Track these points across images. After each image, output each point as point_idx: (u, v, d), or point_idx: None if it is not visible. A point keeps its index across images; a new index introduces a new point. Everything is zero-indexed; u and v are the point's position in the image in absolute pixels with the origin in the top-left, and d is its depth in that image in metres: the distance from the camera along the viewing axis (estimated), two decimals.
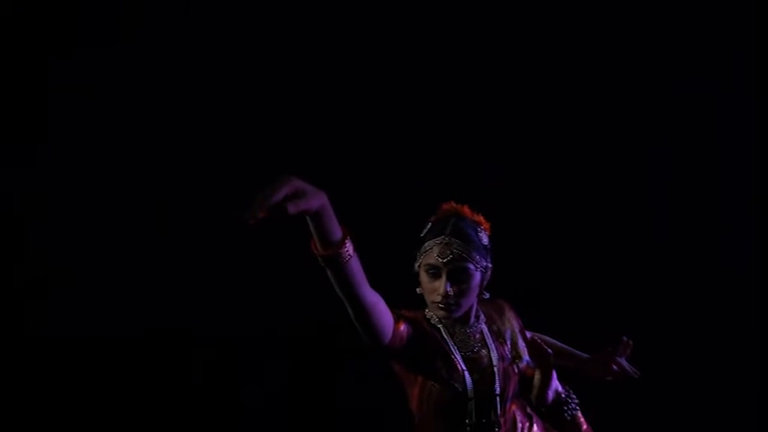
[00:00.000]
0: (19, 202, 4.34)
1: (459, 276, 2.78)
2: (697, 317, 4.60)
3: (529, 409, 2.97)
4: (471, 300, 2.84)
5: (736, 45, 4.65)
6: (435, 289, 2.80)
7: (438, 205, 2.93)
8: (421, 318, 2.88)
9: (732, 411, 4.59)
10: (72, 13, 4.34)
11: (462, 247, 2.79)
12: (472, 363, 2.83)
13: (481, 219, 2.90)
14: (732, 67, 4.65)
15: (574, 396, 2.93)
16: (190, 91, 4.38)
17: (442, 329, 2.87)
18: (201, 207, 4.32)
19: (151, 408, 4.38)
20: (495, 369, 2.84)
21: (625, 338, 3.17)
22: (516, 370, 2.90)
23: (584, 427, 2.94)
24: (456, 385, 2.80)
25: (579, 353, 3.24)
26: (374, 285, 2.61)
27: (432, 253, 2.80)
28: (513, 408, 2.91)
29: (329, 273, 2.48)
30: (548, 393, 2.86)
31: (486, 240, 2.87)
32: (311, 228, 2.38)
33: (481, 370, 2.83)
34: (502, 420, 2.85)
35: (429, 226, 2.88)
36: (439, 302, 2.80)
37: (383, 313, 2.65)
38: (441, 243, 2.80)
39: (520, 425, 2.90)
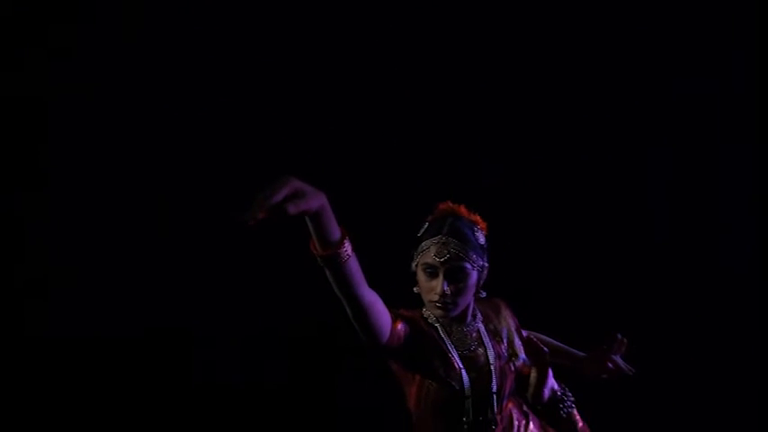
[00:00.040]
0: (19, 202, 4.36)
1: (456, 275, 2.81)
2: (697, 317, 4.61)
3: (525, 407, 3.00)
4: (468, 299, 2.87)
5: (736, 45, 4.66)
6: (432, 288, 2.83)
7: (435, 205, 2.96)
8: (418, 317, 2.91)
9: (732, 411, 4.61)
10: (72, 13, 4.35)
11: (459, 247, 2.82)
12: (469, 361, 2.86)
13: (478, 218, 2.93)
14: (732, 67, 4.66)
15: (569, 394, 2.99)
16: (190, 91, 4.39)
17: (439, 328, 2.89)
18: (201, 207, 4.34)
19: (151, 408, 4.39)
20: (492, 367, 2.87)
21: (620, 336, 3.19)
22: (513, 368, 2.94)
23: (580, 424, 2.99)
24: (453, 383, 2.82)
25: (575, 351, 3.25)
26: (372, 285, 2.62)
27: (429, 252, 2.83)
28: (510, 406, 2.94)
29: (328, 272, 2.50)
30: (544, 391, 2.91)
31: (482, 240, 2.90)
32: (310, 228, 2.40)
33: (478, 368, 2.86)
34: (498, 418, 2.88)
35: (426, 226, 2.91)
36: (436, 301, 2.83)
37: (381, 313, 2.67)
38: (438, 243, 2.83)
39: (516, 422, 2.93)
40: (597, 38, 4.59)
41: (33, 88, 4.36)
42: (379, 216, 4.07)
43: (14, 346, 4.35)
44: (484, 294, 2.94)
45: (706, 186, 4.67)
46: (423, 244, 2.87)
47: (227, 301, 4.41)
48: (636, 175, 4.64)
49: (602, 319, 3.67)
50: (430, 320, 2.92)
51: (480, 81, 4.56)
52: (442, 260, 2.81)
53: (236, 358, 4.49)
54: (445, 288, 2.81)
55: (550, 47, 4.60)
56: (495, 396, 2.86)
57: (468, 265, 2.83)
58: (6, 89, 4.34)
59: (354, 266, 2.51)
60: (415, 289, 2.92)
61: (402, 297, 2.88)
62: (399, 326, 2.78)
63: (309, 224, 2.40)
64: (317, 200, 2.32)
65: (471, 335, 2.92)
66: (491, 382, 2.86)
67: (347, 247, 2.46)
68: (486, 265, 2.91)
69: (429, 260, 2.83)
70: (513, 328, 3.02)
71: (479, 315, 2.98)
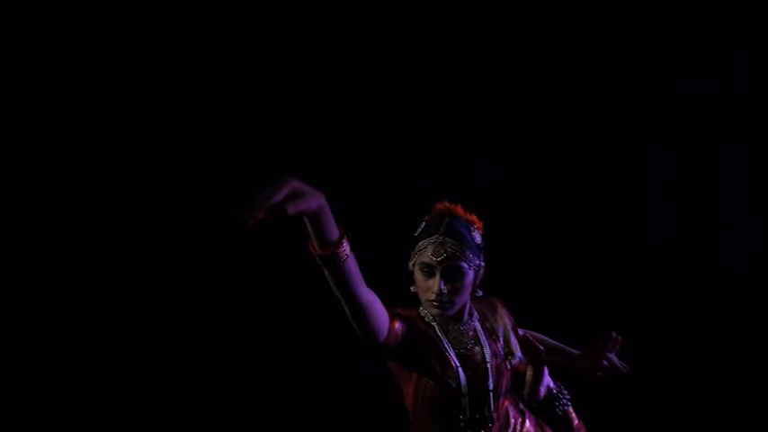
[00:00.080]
0: (19, 202, 4.38)
1: (452, 275, 2.84)
2: (697, 316, 4.62)
3: (521, 405, 3.02)
4: (465, 298, 2.90)
5: (736, 45, 4.66)
6: (429, 287, 2.86)
7: (432, 205, 2.99)
8: (415, 316, 2.94)
9: (731, 410, 4.62)
10: (72, 13, 4.37)
11: (456, 246, 2.85)
12: (466, 359, 2.89)
13: (474, 218, 2.95)
14: (732, 67, 4.67)
15: (565, 392, 3.02)
16: (190, 91, 4.41)
17: (436, 327, 2.93)
18: (201, 207, 4.36)
19: (151, 408, 4.41)
20: (489, 365, 2.89)
21: (614, 334, 3.22)
22: (509, 366, 2.96)
23: (576, 422, 3.02)
24: (450, 382, 2.85)
25: (570, 349, 3.28)
26: (370, 284, 2.64)
27: (426, 252, 2.86)
28: (506, 403, 2.97)
29: (326, 272, 2.53)
30: (540, 389, 2.94)
31: (479, 239, 2.92)
32: (309, 228, 2.43)
33: (474, 366, 2.89)
34: (495, 416, 2.90)
35: (423, 225, 2.93)
36: (433, 300, 2.86)
37: (379, 312, 2.70)
38: (435, 242, 2.85)
39: (512, 420, 2.95)
40: (597, 38, 4.61)
41: (33, 88, 4.37)
42: (379, 216, 4.08)
43: (14, 346, 4.36)
44: (480, 293, 2.96)
45: (706, 186, 4.68)
46: (420, 243, 2.90)
47: (227, 301, 4.43)
48: (636, 175, 4.65)
49: (601, 319, 3.66)
50: (427, 319, 2.95)
51: (480, 81, 4.57)
52: (438, 259, 2.84)
53: (236, 358, 4.51)
54: (442, 287, 2.84)
55: (550, 47, 4.61)
56: (491, 394, 2.89)
57: (465, 265, 2.86)
58: (6, 89, 4.35)
59: (353, 266, 2.54)
60: (412, 288, 2.95)
61: (399, 296, 2.90)
62: (397, 325, 2.81)
63: (308, 224, 2.43)
64: (316, 200, 2.35)
65: (468, 333, 2.95)
66: (488, 380, 2.89)
67: (345, 247, 2.49)
68: (483, 264, 2.94)
69: (426, 259, 2.86)
70: (509, 327, 3.04)
71: (476, 314, 3.00)
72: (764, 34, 4.66)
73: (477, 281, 2.95)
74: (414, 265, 2.92)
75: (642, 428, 4.45)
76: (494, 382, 2.91)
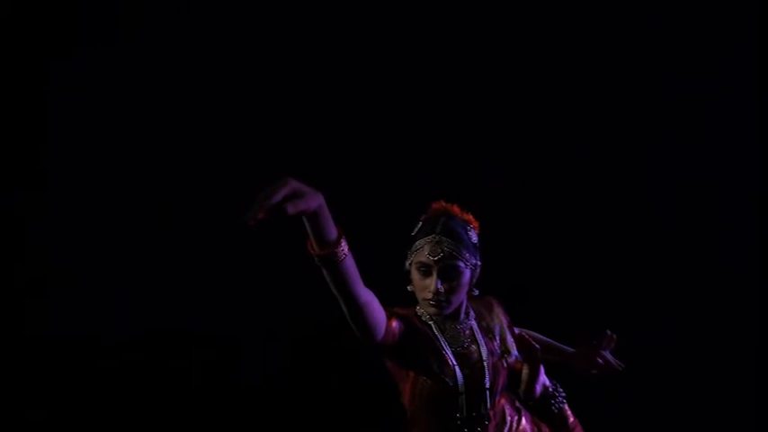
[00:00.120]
0: (19, 202, 4.40)
1: (449, 274, 2.88)
2: (697, 316, 4.65)
3: (517, 403, 3.06)
4: (461, 297, 2.94)
5: (736, 45, 4.68)
6: (426, 286, 2.90)
7: (428, 204, 3.02)
8: (412, 315, 2.98)
9: (730, 410, 4.64)
10: (72, 13, 4.39)
11: (452, 246, 2.88)
12: (462, 358, 2.93)
13: (470, 217, 2.99)
14: (732, 67, 4.68)
15: (561, 390, 3.05)
16: (190, 91, 4.44)
17: (433, 326, 2.97)
18: (201, 207, 4.39)
19: (151, 408, 4.44)
20: (485, 364, 2.94)
21: (609, 332, 3.26)
22: (505, 364, 2.99)
23: (571, 419, 3.05)
24: (447, 380, 2.89)
25: (565, 347, 3.33)
26: (367, 283, 2.67)
27: (423, 251, 2.90)
28: (503, 401, 3.01)
29: (324, 272, 2.56)
30: (536, 387, 2.97)
31: (475, 239, 2.96)
32: (308, 228, 2.46)
33: (471, 365, 2.92)
34: (491, 414, 2.94)
35: (420, 225, 2.97)
36: (430, 299, 2.90)
37: (376, 311, 2.72)
38: (431, 241, 2.90)
39: (509, 418, 2.99)
40: (597, 38, 4.63)
41: (33, 88, 4.39)
42: (380, 216, 4.09)
43: (14, 346, 4.39)
44: (477, 292, 3.00)
45: (706, 186, 4.69)
46: (416, 243, 2.94)
47: (227, 301, 4.45)
48: (636, 175, 4.67)
49: (598, 318, 3.59)
50: (424, 318, 2.98)
51: (480, 81, 4.60)
52: (435, 259, 2.88)
53: (236, 358, 4.54)
54: (439, 286, 2.88)
55: (550, 47, 4.63)
56: (488, 392, 2.92)
57: (462, 264, 2.89)
58: (6, 89, 4.37)
59: (351, 265, 2.57)
60: (409, 287, 2.98)
61: (396, 295, 2.94)
62: (394, 324, 2.84)
63: (307, 224, 2.46)
64: (315, 200, 2.38)
65: (464, 332, 2.99)
66: (484, 378, 2.92)
67: (344, 247, 2.52)
68: (479, 263, 2.97)
69: (423, 259, 2.90)
70: (505, 326, 3.08)
71: (472, 313, 3.04)
72: (764, 34, 4.68)
73: (474, 280, 2.98)
74: (411, 264, 2.96)
75: (638, 426, 4.47)
76: (490, 380, 2.94)
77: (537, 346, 2.99)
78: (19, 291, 4.43)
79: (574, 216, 4.63)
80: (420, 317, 3.00)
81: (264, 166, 3.67)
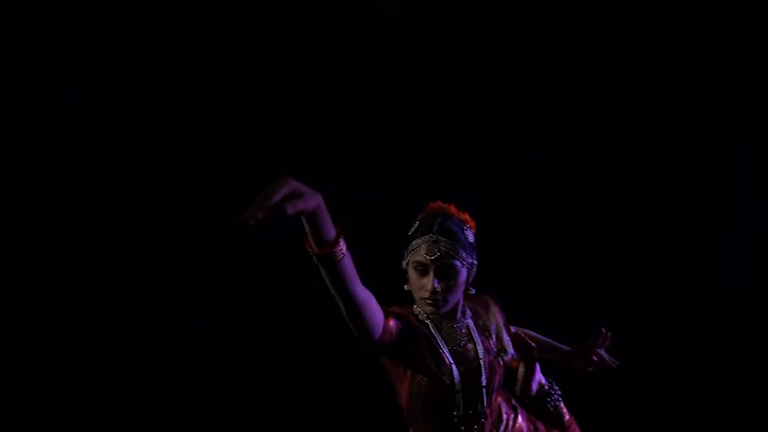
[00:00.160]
0: (19, 202, 4.44)
1: (446, 273, 2.91)
2: (696, 316, 4.68)
3: (514, 401, 3.09)
4: (458, 295, 2.97)
5: (736, 45, 4.69)
6: (423, 285, 2.93)
7: (425, 204, 3.05)
8: (409, 313, 3.01)
9: (729, 410, 4.67)
10: (71, 13, 4.42)
11: (449, 245, 2.92)
12: (459, 356, 2.96)
13: (467, 217, 3.02)
14: (732, 67, 4.70)
15: (557, 388, 3.10)
16: (190, 91, 4.47)
17: (429, 325, 2.99)
18: (201, 207, 4.42)
19: (151, 408, 4.48)
20: (482, 362, 2.97)
21: (603, 330, 3.30)
22: (501, 363, 3.02)
23: (567, 417, 3.10)
24: (444, 378, 2.92)
25: (561, 345, 3.36)
26: (365, 283, 2.69)
27: (420, 251, 2.93)
28: (499, 399, 3.03)
29: (323, 271, 2.59)
30: (532, 385, 3.02)
31: (471, 238, 2.99)
32: (306, 227, 2.49)
33: (468, 363, 2.96)
34: (488, 411, 2.97)
35: (416, 225, 2.99)
36: (427, 298, 2.93)
37: (374, 310, 2.76)
38: (428, 241, 2.93)
39: (505, 416, 3.02)
40: (597, 38, 4.66)
41: (33, 88, 4.43)
42: (379, 216, 4.09)
43: (14, 346, 4.43)
44: (473, 291, 3.03)
45: (706, 186, 4.71)
46: (413, 242, 2.97)
47: (227, 301, 4.49)
48: (635, 175, 4.69)
49: (598, 319, 3.58)
50: (421, 317, 3.01)
51: (480, 81, 4.63)
52: (432, 258, 2.91)
53: (236, 358, 4.57)
54: (436, 285, 2.91)
55: (550, 47, 4.66)
56: (484, 390, 2.96)
57: (458, 263, 2.93)
58: (6, 88, 4.41)
59: (349, 265, 2.60)
60: (406, 286, 3.02)
61: (393, 294, 2.97)
62: (391, 322, 2.88)
63: (306, 224, 2.49)
64: (314, 200, 2.41)
65: (461, 331, 3.01)
66: (481, 376, 2.96)
67: (342, 246, 2.55)
68: (476, 262, 3.00)
69: (420, 258, 2.93)
70: (501, 324, 3.10)
71: (469, 311, 3.07)
72: (764, 34, 4.69)
73: (470, 279, 3.01)
74: (408, 263, 2.99)
75: (632, 423, 4.48)
76: (486, 378, 2.97)
77: (533, 344, 3.03)
78: (19, 291, 4.46)
79: (573, 216, 4.66)
80: (417, 316, 3.03)
81: (264, 166, 3.65)
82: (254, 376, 4.57)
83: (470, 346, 3.01)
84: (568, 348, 3.37)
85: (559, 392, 3.10)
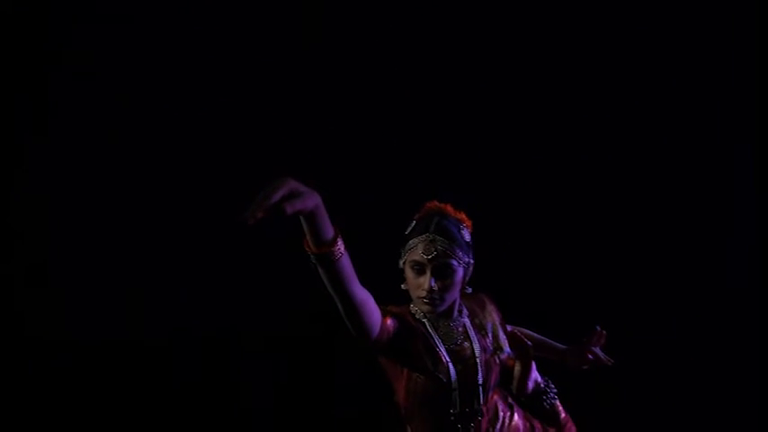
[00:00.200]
0: (19, 202, 4.46)
1: (442, 272, 2.96)
2: (696, 316, 4.69)
3: (510, 399, 3.13)
4: (454, 294, 3.01)
5: (736, 45, 4.71)
6: (420, 284, 2.98)
7: (422, 204, 3.09)
8: (406, 312, 3.05)
9: (729, 410, 4.69)
10: (71, 13, 4.44)
11: (446, 244, 2.96)
12: (456, 355, 3.00)
13: (463, 216, 3.06)
14: (732, 67, 4.71)
15: (552, 386, 3.14)
16: (190, 91, 4.49)
17: (426, 323, 3.04)
18: (201, 207, 4.44)
19: (151, 408, 4.50)
20: (478, 360, 3.01)
21: (598, 328, 3.34)
22: (498, 361, 3.06)
23: (563, 415, 3.14)
24: (441, 376, 2.96)
25: (557, 344, 3.41)
26: (363, 282, 2.73)
27: (416, 250, 2.97)
28: (495, 397, 3.07)
29: (321, 270, 2.62)
30: (528, 383, 3.06)
31: (468, 237, 3.03)
32: (305, 227, 2.52)
33: (464, 361, 3.00)
34: (484, 409, 3.01)
35: (413, 224, 3.03)
36: (423, 297, 2.97)
37: (372, 309, 2.80)
38: (425, 240, 2.97)
39: (501, 413, 3.06)
40: (597, 37, 4.67)
41: (33, 88, 4.45)
42: (378, 216, 4.02)
43: (14, 346, 4.45)
44: (470, 290, 3.08)
45: (706, 186, 4.72)
46: (410, 242, 3.01)
47: (227, 301, 4.51)
48: (635, 175, 4.71)
49: (596, 318, 3.57)
50: (417, 316, 3.06)
51: (480, 81, 4.65)
52: (429, 257, 2.95)
53: (236, 358, 4.59)
54: (432, 284, 2.95)
55: (550, 47, 4.68)
56: (481, 388, 3.00)
57: (455, 262, 2.97)
58: (6, 88, 4.42)
59: (347, 265, 2.64)
60: (402, 285, 3.06)
61: (391, 294, 3.01)
62: (388, 321, 2.91)
63: (304, 223, 2.52)
64: (313, 200, 2.44)
65: (458, 329, 3.06)
66: (477, 374, 3.00)
67: (340, 246, 2.59)
68: (472, 261, 3.04)
69: (417, 257, 2.97)
70: (497, 323, 3.15)
71: (465, 310, 3.12)
72: (764, 34, 4.71)
73: (467, 278, 3.06)
74: (404, 262, 3.04)
75: (628, 422, 4.51)
76: (483, 376, 3.01)
77: (529, 342, 3.06)
78: (19, 291, 4.48)
79: (573, 215, 4.67)
80: (414, 315, 3.07)
81: (264, 166, 3.55)
82: (253, 376, 4.60)
83: (467, 344, 3.05)
84: (564, 347, 3.40)
85: (555, 391, 3.13)
